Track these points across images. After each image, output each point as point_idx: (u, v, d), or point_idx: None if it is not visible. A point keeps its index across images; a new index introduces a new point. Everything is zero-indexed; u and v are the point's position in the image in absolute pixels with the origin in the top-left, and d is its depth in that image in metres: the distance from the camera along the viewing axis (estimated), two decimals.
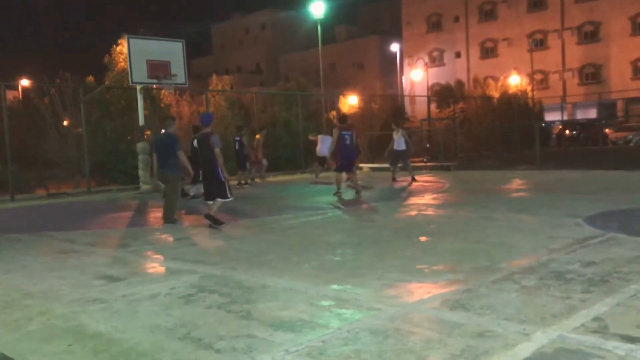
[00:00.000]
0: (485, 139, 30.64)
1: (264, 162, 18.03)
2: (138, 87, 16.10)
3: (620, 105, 44.92)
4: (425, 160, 23.55)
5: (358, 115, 31.27)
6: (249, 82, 63.36)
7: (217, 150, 8.64)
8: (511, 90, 35.77)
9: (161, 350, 3.45)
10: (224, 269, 5.69)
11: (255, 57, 78.50)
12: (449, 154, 26.29)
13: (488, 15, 52.50)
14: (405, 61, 55.86)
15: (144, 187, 16.20)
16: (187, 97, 24.45)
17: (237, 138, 16.25)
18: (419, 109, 39.33)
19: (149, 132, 17.46)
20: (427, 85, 49.24)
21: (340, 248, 6.58)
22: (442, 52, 55.89)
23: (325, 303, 4.30)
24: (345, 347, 3.34)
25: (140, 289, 5.03)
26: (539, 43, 49.47)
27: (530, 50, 49.17)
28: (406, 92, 51.23)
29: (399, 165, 15.98)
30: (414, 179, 15.44)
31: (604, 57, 46.26)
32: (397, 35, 57.83)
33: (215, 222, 8.67)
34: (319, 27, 28.23)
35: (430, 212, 9.60)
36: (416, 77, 50.94)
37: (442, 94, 36.71)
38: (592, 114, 46.31)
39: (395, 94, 48.18)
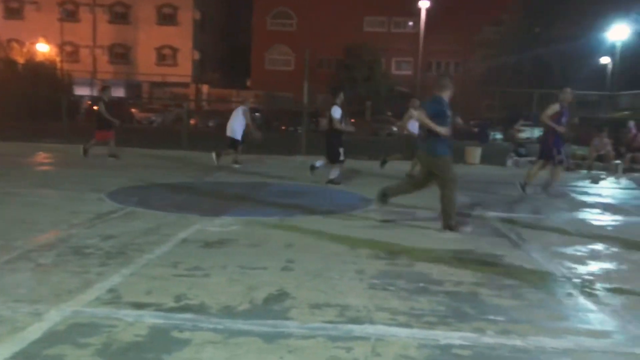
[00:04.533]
0: (9, 107, 28.06)
1: None
2: None
3: (145, 87, 47.97)
4: None
5: None
6: None
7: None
8: (39, 58, 33.86)
9: None
10: None
11: None
12: None
13: None
14: None
15: None
16: None
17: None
18: None
19: None
20: None
21: None
22: None
23: None
24: None
25: None
26: (70, 14, 48.01)
27: (61, 20, 47.33)
28: None
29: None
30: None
31: (133, 40, 48.34)
32: None
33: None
34: None
35: None
36: None
37: None
38: (121, 92, 47.98)
39: None
